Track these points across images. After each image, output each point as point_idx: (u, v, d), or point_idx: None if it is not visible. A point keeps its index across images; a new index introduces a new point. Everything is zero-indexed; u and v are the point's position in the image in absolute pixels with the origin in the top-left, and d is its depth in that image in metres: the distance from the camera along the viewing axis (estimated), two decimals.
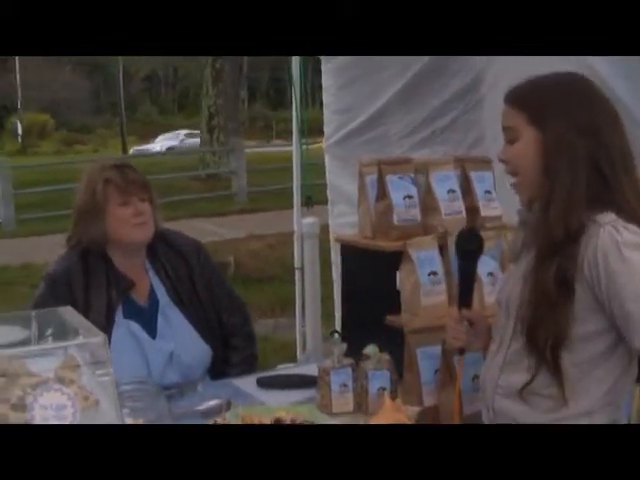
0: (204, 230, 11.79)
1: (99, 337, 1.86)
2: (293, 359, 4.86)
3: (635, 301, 1.88)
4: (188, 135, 34.30)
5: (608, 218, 1.94)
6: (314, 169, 5.18)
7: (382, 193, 2.86)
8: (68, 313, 2.14)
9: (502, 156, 2.11)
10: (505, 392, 2.14)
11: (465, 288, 2.30)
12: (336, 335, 2.64)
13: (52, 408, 1.76)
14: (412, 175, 2.88)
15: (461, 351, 2.33)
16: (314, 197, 5.12)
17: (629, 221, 1.94)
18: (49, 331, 2.09)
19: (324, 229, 4.86)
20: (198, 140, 21.77)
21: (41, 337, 2.09)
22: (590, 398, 2.03)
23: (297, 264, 5.09)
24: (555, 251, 1.97)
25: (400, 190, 2.84)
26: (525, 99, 2.05)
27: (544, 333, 1.99)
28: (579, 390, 2.02)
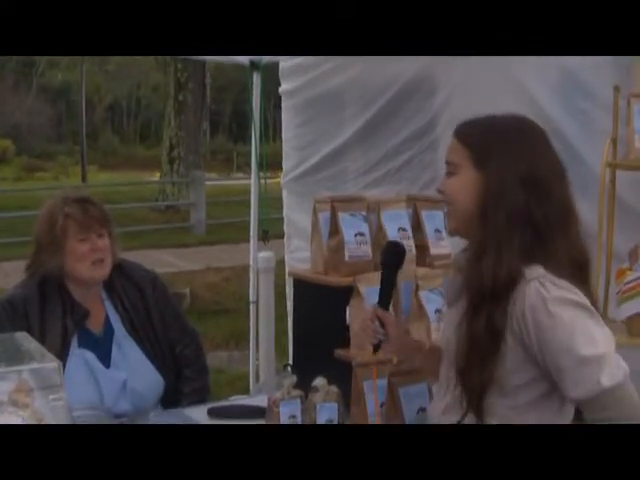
0: (161, 261, 11.76)
1: (53, 363, 1.91)
2: (246, 391, 4.88)
3: (565, 354, 1.89)
4: None
5: (535, 273, 1.93)
6: (272, 203, 5.25)
7: (334, 230, 2.93)
8: (23, 338, 2.18)
9: (440, 187, 2.13)
10: None
11: (384, 294, 2.36)
12: (288, 368, 2.70)
13: None
14: (364, 213, 2.96)
15: (375, 348, 2.34)
16: (271, 231, 5.18)
17: (557, 275, 1.93)
18: (4, 355, 2.12)
19: (280, 263, 4.92)
20: None
21: None
22: None
23: (252, 297, 5.14)
24: (485, 301, 1.97)
25: (352, 227, 2.92)
26: (471, 137, 2.04)
27: (474, 379, 2.01)
28: None
